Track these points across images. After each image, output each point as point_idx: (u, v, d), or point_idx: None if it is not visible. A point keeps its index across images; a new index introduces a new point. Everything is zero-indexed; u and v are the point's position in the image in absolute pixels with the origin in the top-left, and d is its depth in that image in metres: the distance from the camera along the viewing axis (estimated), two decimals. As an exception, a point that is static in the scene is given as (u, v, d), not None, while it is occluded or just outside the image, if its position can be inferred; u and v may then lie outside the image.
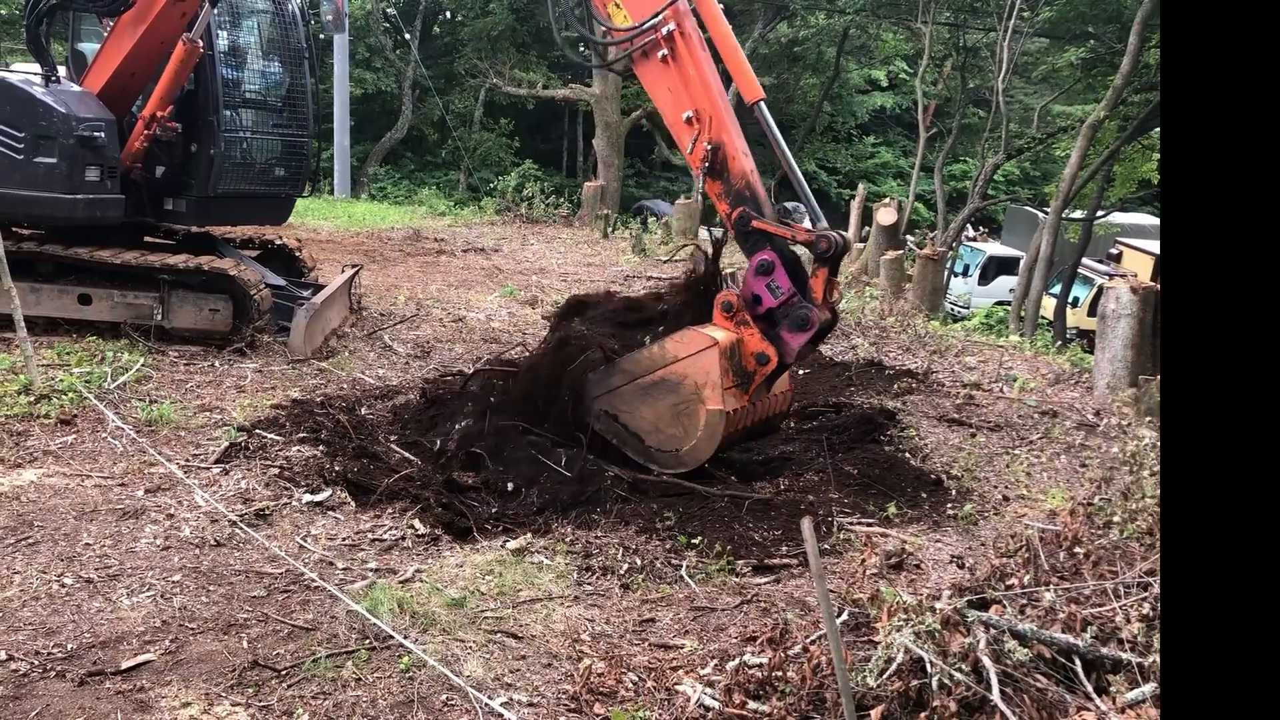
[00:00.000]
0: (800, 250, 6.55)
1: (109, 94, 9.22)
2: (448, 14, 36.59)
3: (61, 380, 7.61)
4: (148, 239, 10.08)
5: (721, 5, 6.71)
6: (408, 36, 31.97)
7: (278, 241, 11.38)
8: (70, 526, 5.50)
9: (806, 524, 2.84)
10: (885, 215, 18.52)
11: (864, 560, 4.61)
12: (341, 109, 25.91)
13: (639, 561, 5.52)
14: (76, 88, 9.32)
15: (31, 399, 7.21)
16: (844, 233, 6.48)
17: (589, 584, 5.30)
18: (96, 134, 8.85)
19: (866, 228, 21.75)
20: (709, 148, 6.41)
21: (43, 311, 8.85)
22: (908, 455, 7.28)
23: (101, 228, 9.30)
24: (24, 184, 8.29)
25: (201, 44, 9.02)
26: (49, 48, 9.46)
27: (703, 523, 6.05)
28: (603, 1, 6.80)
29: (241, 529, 5.56)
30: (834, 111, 38.45)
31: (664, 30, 6.48)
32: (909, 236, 25.72)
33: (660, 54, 6.55)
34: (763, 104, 6.53)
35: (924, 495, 6.61)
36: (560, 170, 38.28)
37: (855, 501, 6.45)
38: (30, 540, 5.32)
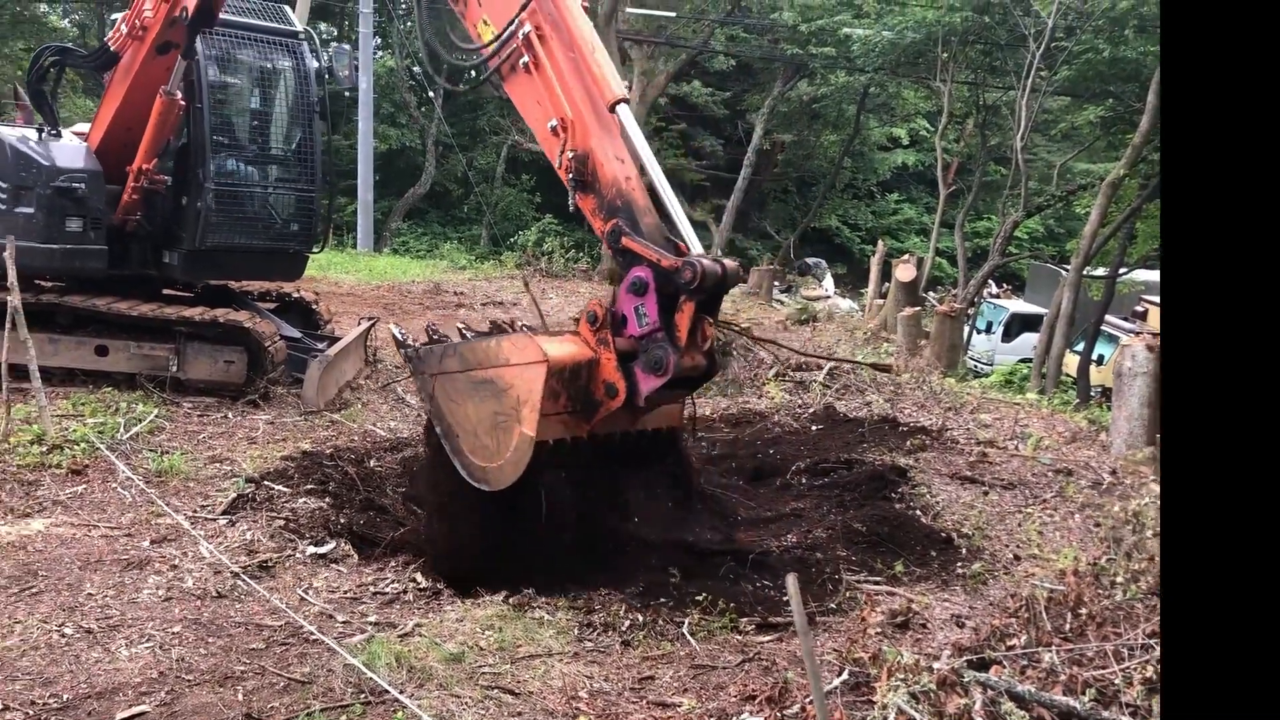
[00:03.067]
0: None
1: (109, 148, 9.36)
2: (471, 72, 37.07)
3: (74, 430, 7.68)
4: (166, 291, 10.18)
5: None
6: (431, 94, 32.47)
7: (295, 294, 11.47)
8: (74, 576, 5.53)
9: (792, 581, 2.81)
10: (904, 272, 18.54)
11: (863, 618, 4.55)
12: (365, 164, 26.24)
13: (641, 618, 5.47)
14: (72, 141, 9.50)
15: (44, 449, 7.27)
16: (724, 260, 5.56)
17: (590, 640, 5.26)
18: (76, 185, 9.02)
19: (887, 283, 21.78)
20: (571, 156, 5.74)
21: (60, 362, 8.95)
22: (918, 513, 7.21)
23: (123, 280, 9.44)
24: (7, 233, 8.43)
25: (180, 97, 9.10)
26: (54, 103, 9.69)
27: (707, 579, 6.00)
28: (473, 22, 6.42)
29: (244, 581, 5.55)
30: (855, 168, 38.62)
31: (521, 34, 5.98)
32: (930, 293, 25.68)
33: (522, 61, 6.01)
34: (624, 105, 5.87)
35: (933, 553, 6.53)
36: (580, 225, 38.54)
37: (863, 559, 6.40)
38: (34, 590, 5.35)
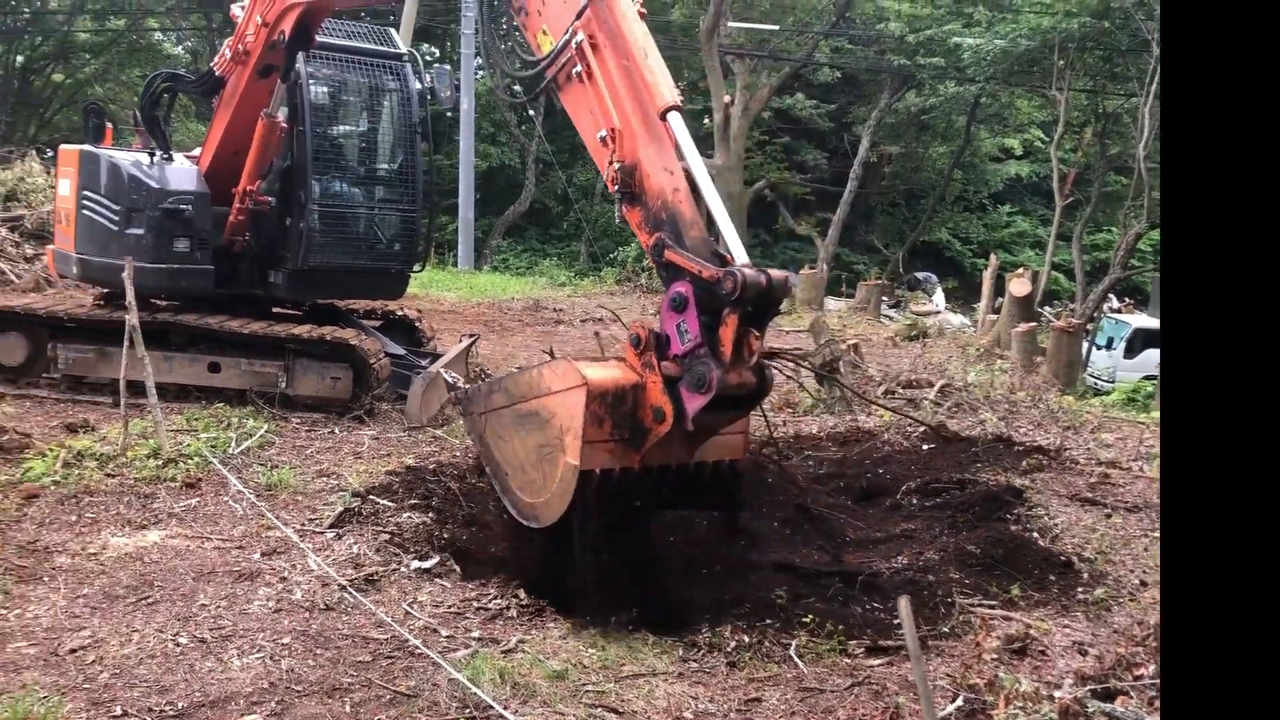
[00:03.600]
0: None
1: (218, 170, 9.67)
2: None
3: (188, 445, 7.89)
4: (276, 310, 10.43)
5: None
6: (531, 112, 32.84)
7: (399, 312, 11.66)
8: (188, 587, 5.64)
9: (904, 603, 2.67)
10: (1019, 286, 18.02)
11: (978, 643, 4.35)
12: (466, 183, 26.64)
13: (747, 639, 5.34)
14: (182, 165, 9.83)
15: (160, 463, 7.48)
16: (770, 270, 5.29)
17: (694, 660, 5.16)
18: (183, 207, 9.35)
19: (1000, 299, 21.21)
20: (618, 168, 5.59)
21: (175, 379, 9.23)
22: (1035, 535, 6.92)
23: (230, 299, 9.72)
24: (120, 254, 8.72)
25: (281, 119, 9.33)
26: (165, 128, 10.05)
27: (815, 600, 5.85)
28: (533, 33, 6.31)
29: (350, 594, 5.60)
30: (966, 180, 37.80)
31: (574, 43, 5.85)
32: (1046, 308, 24.92)
33: (576, 71, 5.89)
34: (675, 114, 5.67)
35: (1052, 578, 6.26)
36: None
37: (977, 582, 6.16)
38: (150, 600, 5.47)
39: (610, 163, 5.65)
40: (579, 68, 5.87)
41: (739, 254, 5.38)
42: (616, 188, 5.65)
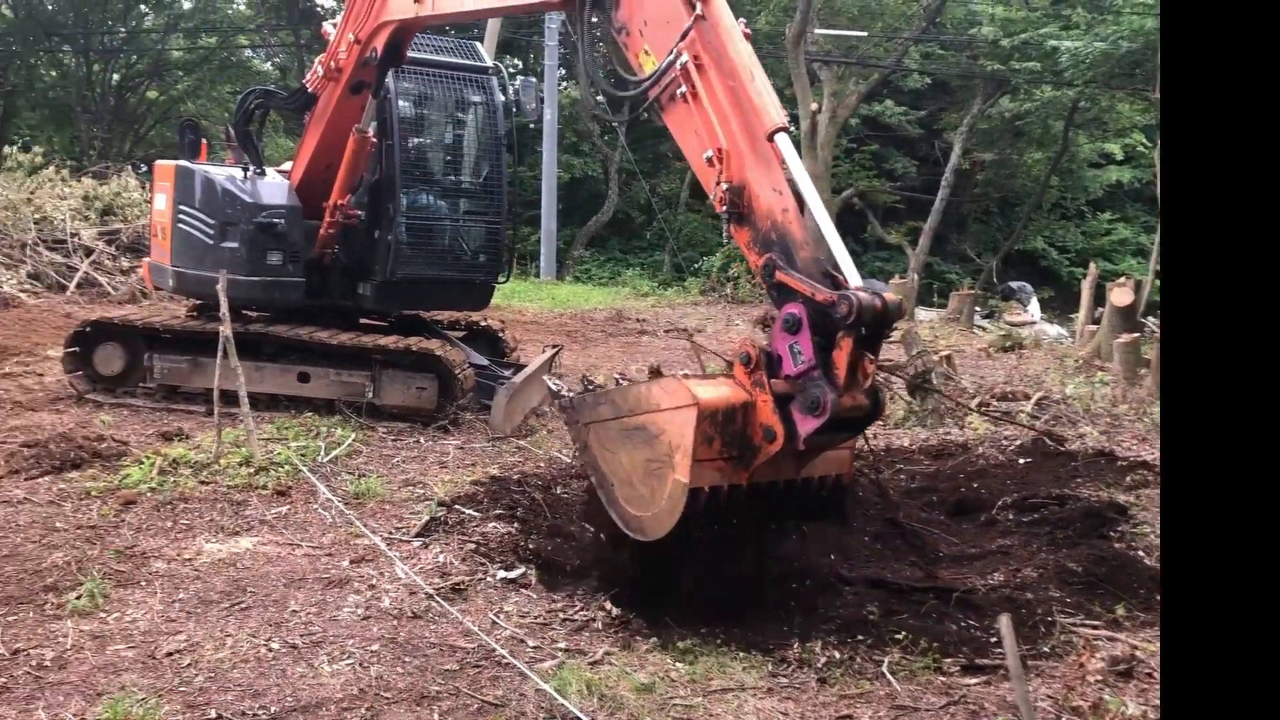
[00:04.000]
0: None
1: (309, 184, 9.84)
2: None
3: (279, 453, 8.03)
4: (363, 321, 10.58)
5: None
6: (615, 123, 32.90)
7: (482, 323, 11.77)
8: (280, 593, 5.71)
9: (1005, 621, 2.55)
10: (1120, 295, 17.43)
11: (1081, 664, 4.17)
12: (549, 194, 26.84)
13: (838, 655, 5.22)
14: (274, 179, 10.05)
15: (251, 471, 7.62)
16: (884, 293, 5.22)
17: (784, 676, 5.05)
18: (276, 221, 9.55)
19: (1099, 308, 20.58)
20: (726, 189, 5.55)
21: (265, 388, 9.41)
22: (1141, 554, 6.66)
23: (320, 310, 9.90)
24: (214, 266, 8.93)
25: (372, 134, 9.46)
26: (258, 143, 10.31)
27: (908, 617, 5.69)
28: (635, 53, 6.24)
29: (438, 602, 5.61)
30: (1063, 187, 36.83)
31: (679, 64, 5.79)
32: (1150, 318, 24.12)
33: (680, 91, 5.83)
34: (783, 135, 5.60)
35: (1159, 598, 5.98)
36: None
37: (1079, 601, 5.93)
38: (243, 605, 5.55)
39: (717, 183, 5.62)
40: (683, 88, 5.83)
41: (852, 275, 5.32)
42: (724, 208, 5.61)
